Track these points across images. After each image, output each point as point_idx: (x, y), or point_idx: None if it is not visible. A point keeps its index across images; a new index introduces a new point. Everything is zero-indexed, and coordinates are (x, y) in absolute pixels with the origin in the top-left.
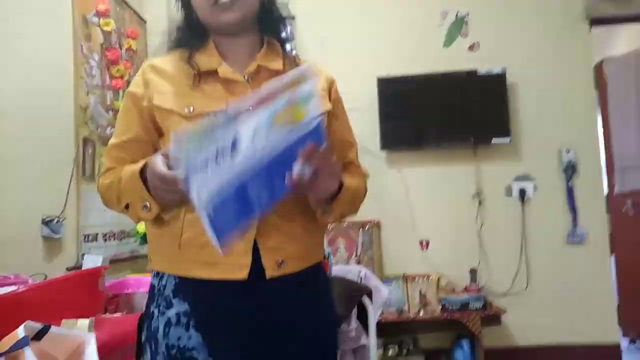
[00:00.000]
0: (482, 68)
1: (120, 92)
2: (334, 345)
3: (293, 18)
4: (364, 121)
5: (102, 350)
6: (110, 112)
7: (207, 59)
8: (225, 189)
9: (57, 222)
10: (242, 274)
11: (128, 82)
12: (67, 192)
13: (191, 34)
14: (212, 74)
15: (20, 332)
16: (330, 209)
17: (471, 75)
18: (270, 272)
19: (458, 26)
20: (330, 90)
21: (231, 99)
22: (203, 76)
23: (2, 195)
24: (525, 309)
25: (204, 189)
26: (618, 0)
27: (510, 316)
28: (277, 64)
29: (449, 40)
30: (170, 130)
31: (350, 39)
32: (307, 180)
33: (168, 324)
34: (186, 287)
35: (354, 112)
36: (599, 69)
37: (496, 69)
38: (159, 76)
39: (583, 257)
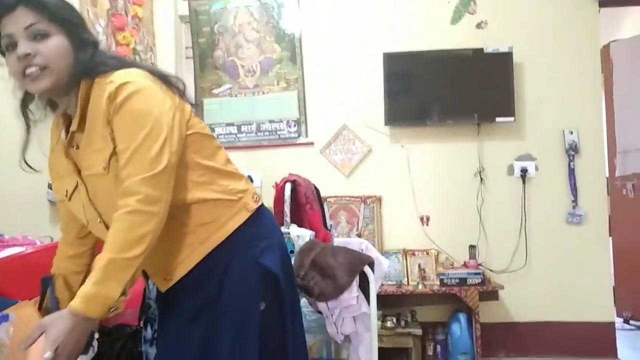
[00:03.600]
0: (489, 46)
1: (126, 59)
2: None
3: None
4: (369, 96)
5: None
6: None
7: (55, 135)
8: None
9: None
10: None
11: (133, 50)
12: None
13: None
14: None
15: None
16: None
17: (477, 53)
18: (164, 287)
19: (466, 3)
20: (107, 112)
21: (75, 172)
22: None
23: (9, 160)
24: (523, 286)
25: None
26: None
27: (508, 292)
28: (76, 124)
29: (457, 17)
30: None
31: (357, 14)
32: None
33: None
34: None
35: (360, 88)
36: (606, 52)
37: (503, 48)
38: (53, 153)
39: (582, 237)
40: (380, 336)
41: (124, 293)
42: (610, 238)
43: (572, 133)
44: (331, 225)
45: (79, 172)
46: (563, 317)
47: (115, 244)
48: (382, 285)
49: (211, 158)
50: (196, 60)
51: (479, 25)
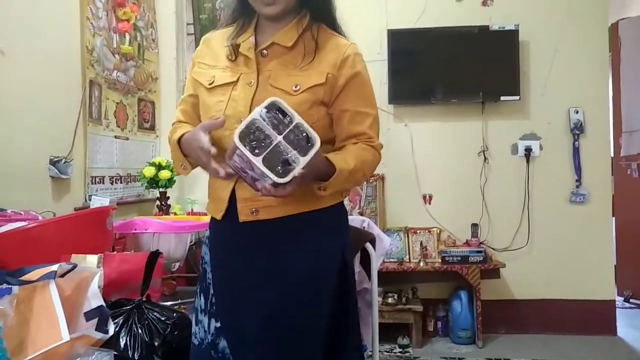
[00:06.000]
0: (495, 24)
1: (127, 35)
2: (309, 286)
3: None
4: (372, 74)
5: (110, 285)
6: (117, 56)
7: (243, 35)
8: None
9: (64, 163)
10: (219, 215)
11: (134, 26)
12: (74, 134)
13: (242, 10)
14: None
15: (54, 267)
16: (324, 188)
17: (483, 30)
18: (243, 217)
19: None
20: (341, 66)
21: (244, 72)
22: (237, 50)
23: (11, 135)
24: (525, 264)
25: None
26: None
27: (509, 270)
28: (289, 41)
29: None
30: (200, 98)
31: None
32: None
33: (203, 242)
34: (210, 222)
35: None
36: (614, 30)
37: (509, 26)
38: (207, 48)
39: (584, 216)
40: (381, 312)
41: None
42: (613, 218)
43: (577, 112)
44: None
45: (257, 74)
46: (564, 294)
47: (362, 161)
48: (384, 262)
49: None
50: (197, 37)
51: (484, 2)
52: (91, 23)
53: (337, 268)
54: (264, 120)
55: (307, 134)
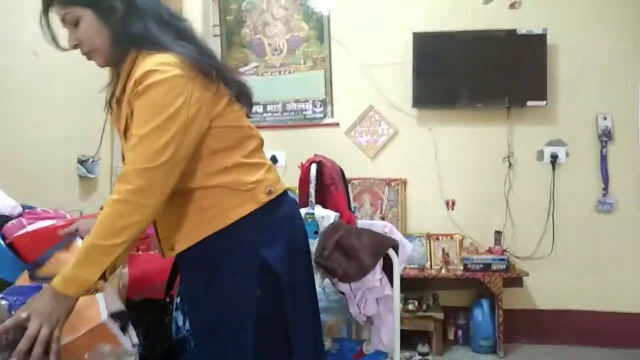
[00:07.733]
0: (522, 27)
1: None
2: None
3: None
4: (396, 77)
5: (134, 284)
6: None
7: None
8: None
9: (92, 162)
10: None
11: None
12: (102, 134)
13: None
14: None
15: None
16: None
17: (510, 34)
18: (166, 254)
19: None
20: (134, 90)
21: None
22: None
23: (42, 135)
24: (548, 273)
25: None
26: None
27: (533, 279)
28: (118, 90)
29: None
30: None
31: None
32: None
33: None
34: None
35: (387, 68)
36: None
37: (537, 29)
38: None
39: (612, 226)
40: (401, 319)
41: (103, 277)
42: None
43: (605, 119)
44: (355, 207)
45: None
46: (589, 305)
47: (99, 230)
48: (405, 268)
49: (231, 149)
50: (223, 38)
51: (512, 5)
52: None
53: (257, 281)
54: None
55: None
